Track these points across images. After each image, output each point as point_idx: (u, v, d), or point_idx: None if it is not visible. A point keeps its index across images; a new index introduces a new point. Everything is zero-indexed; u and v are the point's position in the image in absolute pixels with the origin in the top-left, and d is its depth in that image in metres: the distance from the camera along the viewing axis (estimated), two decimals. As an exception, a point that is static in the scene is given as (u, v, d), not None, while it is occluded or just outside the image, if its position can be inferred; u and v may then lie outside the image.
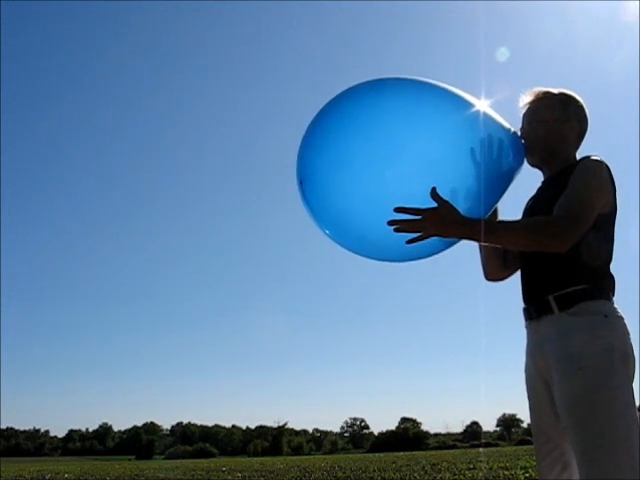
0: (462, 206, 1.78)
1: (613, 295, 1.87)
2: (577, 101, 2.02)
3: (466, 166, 1.81)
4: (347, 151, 1.81)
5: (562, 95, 2.02)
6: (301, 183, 1.90)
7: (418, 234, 1.74)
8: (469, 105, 1.88)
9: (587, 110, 2.03)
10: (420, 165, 1.78)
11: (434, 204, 1.73)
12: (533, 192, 2.09)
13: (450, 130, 1.83)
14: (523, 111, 2.04)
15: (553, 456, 1.89)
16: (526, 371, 1.97)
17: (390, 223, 1.72)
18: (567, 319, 1.81)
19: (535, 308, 1.90)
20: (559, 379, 1.78)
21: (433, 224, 1.72)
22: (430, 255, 1.91)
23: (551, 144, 1.98)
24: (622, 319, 1.83)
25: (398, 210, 1.71)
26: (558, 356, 1.80)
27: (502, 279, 2.12)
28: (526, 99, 2.04)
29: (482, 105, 1.91)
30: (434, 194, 1.71)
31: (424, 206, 1.72)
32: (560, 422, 1.81)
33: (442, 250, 1.91)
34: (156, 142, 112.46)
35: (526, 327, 1.96)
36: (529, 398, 1.95)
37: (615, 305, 1.85)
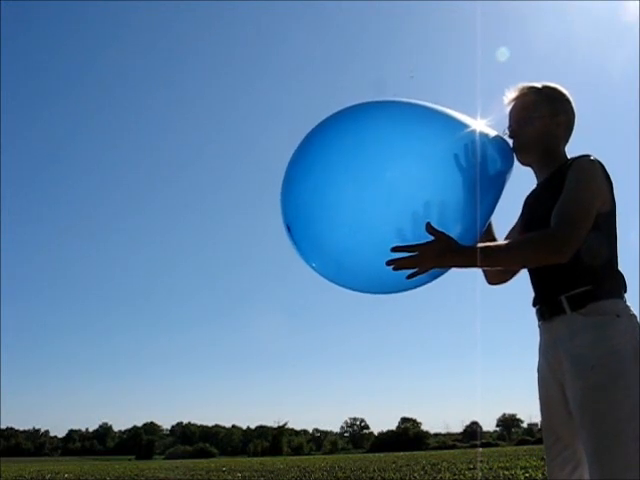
0: (458, 225, 1.77)
1: (625, 292, 1.85)
2: (563, 94, 1.99)
3: (456, 184, 1.78)
4: (330, 187, 1.78)
5: (547, 89, 1.99)
6: (289, 229, 1.87)
7: (416, 269, 1.74)
8: (452, 122, 1.85)
9: (573, 102, 2.00)
10: (406, 190, 1.76)
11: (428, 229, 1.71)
12: (529, 190, 2.07)
13: (435, 151, 1.79)
14: (508, 108, 2.02)
15: (564, 456, 1.88)
16: (539, 371, 1.95)
17: (388, 263, 1.71)
18: (579, 319, 1.80)
19: (547, 308, 1.89)
20: (571, 378, 1.78)
21: (431, 258, 1.71)
22: (426, 283, 1.89)
23: (541, 141, 1.96)
24: (635, 317, 1.81)
25: (394, 250, 1.71)
26: (570, 356, 1.79)
27: (503, 282, 2.10)
28: (510, 96, 2.01)
29: (465, 118, 1.88)
30: (429, 228, 1.70)
31: (420, 237, 1.70)
32: (572, 421, 1.80)
33: (437, 278, 1.89)
34: (156, 142, 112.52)
35: (539, 327, 1.95)
36: (541, 398, 1.94)
37: (627, 303, 1.83)
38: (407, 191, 1.76)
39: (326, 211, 1.80)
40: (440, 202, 1.77)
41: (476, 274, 2.13)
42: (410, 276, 1.75)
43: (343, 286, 1.94)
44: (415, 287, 1.89)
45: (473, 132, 1.87)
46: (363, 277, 1.87)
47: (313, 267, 1.93)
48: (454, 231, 1.74)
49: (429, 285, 1.91)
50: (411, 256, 1.71)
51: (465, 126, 1.86)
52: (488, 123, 1.96)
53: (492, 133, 1.94)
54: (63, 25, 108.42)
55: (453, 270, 1.81)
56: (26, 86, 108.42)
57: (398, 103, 1.89)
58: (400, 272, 1.73)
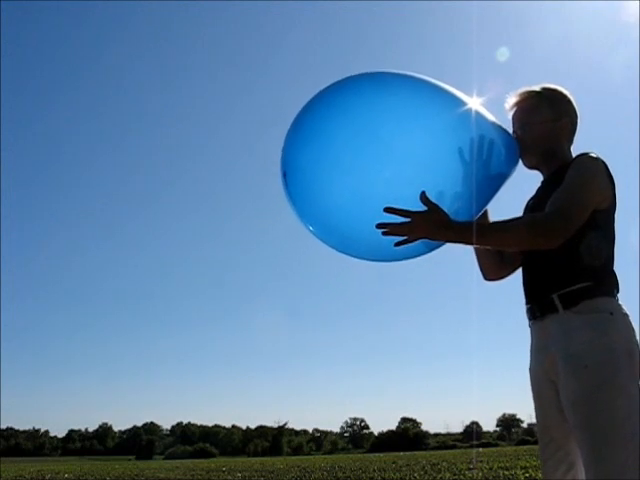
0: (453, 206, 1.76)
1: (618, 292, 1.85)
2: (564, 96, 1.99)
3: (457, 166, 1.78)
4: (333, 146, 1.77)
5: (548, 92, 1.98)
6: (284, 175, 1.86)
7: (406, 237, 1.73)
8: (461, 104, 1.85)
9: (575, 102, 2.00)
10: (409, 163, 1.76)
11: (422, 205, 1.71)
12: (533, 192, 2.06)
13: (441, 129, 1.80)
14: (511, 114, 2.01)
15: (557, 457, 1.88)
16: (531, 371, 1.95)
17: (379, 226, 1.70)
18: (572, 317, 1.79)
19: (539, 307, 1.88)
20: (564, 378, 1.77)
21: (422, 228, 1.71)
22: (416, 256, 1.88)
23: (546, 145, 1.95)
24: (627, 316, 1.81)
25: (387, 211, 1.69)
26: (563, 355, 1.78)
27: (501, 278, 2.10)
28: (512, 101, 2.00)
29: (476, 104, 1.87)
30: (424, 198, 1.70)
31: (413, 207, 1.70)
32: (566, 422, 1.79)
33: (429, 251, 1.88)
34: (157, 142, 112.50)
35: (530, 326, 1.94)
36: (534, 398, 1.94)
37: (620, 302, 1.83)
38: (410, 166, 1.75)
39: (323, 168, 1.79)
40: (441, 183, 1.76)
41: (477, 274, 2.13)
42: (398, 243, 1.73)
43: (331, 246, 1.92)
44: (407, 258, 1.87)
45: (486, 121, 1.87)
46: (352, 241, 1.86)
47: (302, 220, 1.90)
48: (448, 210, 1.73)
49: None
50: (403, 222, 1.70)
51: (479, 115, 1.86)
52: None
53: (503, 128, 1.93)
54: (65, 25, 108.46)
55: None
56: (28, 86, 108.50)
57: (418, 78, 1.88)
58: (392, 239, 1.72)
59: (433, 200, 1.71)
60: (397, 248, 1.75)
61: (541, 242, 1.75)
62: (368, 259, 1.93)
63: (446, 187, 1.77)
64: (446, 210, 1.73)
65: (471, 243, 1.78)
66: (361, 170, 1.75)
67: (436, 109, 1.82)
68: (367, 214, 1.72)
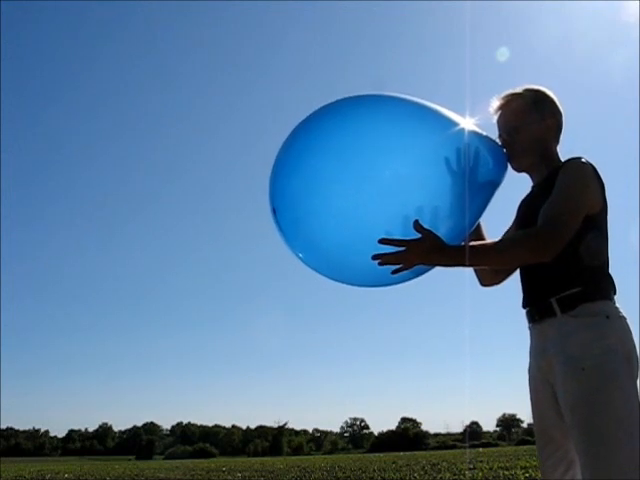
0: (446, 223, 1.77)
1: (615, 295, 1.85)
2: (547, 96, 1.98)
3: (445, 182, 1.77)
4: (319, 176, 1.77)
5: (531, 93, 1.97)
6: (274, 212, 1.86)
7: (402, 265, 1.74)
8: (445, 121, 1.84)
9: (558, 101, 1.98)
10: (396, 186, 1.75)
11: (412, 226, 1.71)
12: (523, 195, 2.06)
13: (427, 149, 1.79)
14: (495, 118, 2.00)
15: (556, 456, 1.88)
16: (529, 372, 1.96)
17: (374, 257, 1.71)
18: (569, 321, 1.80)
19: (537, 310, 1.89)
20: (562, 380, 1.78)
21: (417, 255, 1.72)
22: (409, 280, 1.89)
23: (533, 148, 1.95)
24: (624, 319, 1.82)
25: (382, 242, 1.70)
26: (561, 357, 1.79)
27: (496, 284, 2.10)
28: (495, 105, 1.99)
29: (459, 119, 1.87)
30: (417, 225, 1.71)
31: (406, 227, 1.70)
32: (564, 422, 1.80)
33: (422, 275, 1.88)
34: (157, 142, 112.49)
35: (529, 329, 1.95)
36: (532, 399, 1.95)
37: (617, 305, 1.84)
38: (397, 188, 1.75)
39: (312, 199, 1.78)
40: (430, 203, 1.76)
41: (471, 274, 2.12)
42: (395, 271, 1.75)
43: (325, 275, 1.93)
44: (399, 282, 1.88)
45: (467, 134, 1.86)
46: (345, 269, 1.87)
47: (297, 254, 1.91)
48: (441, 230, 1.74)
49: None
50: (398, 252, 1.71)
51: (460, 128, 1.85)
52: (477, 122, 1.94)
53: (486, 136, 1.92)
54: (65, 24, 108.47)
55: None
56: (27, 85, 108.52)
57: (397, 99, 1.88)
58: (385, 267, 1.73)
59: (426, 223, 1.71)
60: (392, 275, 1.75)
61: (537, 257, 1.76)
62: (361, 285, 1.94)
63: (436, 204, 1.77)
64: (440, 227, 1.74)
65: (467, 265, 1.79)
66: (349, 198, 1.74)
67: (421, 128, 1.81)
68: (361, 242, 1.73)
